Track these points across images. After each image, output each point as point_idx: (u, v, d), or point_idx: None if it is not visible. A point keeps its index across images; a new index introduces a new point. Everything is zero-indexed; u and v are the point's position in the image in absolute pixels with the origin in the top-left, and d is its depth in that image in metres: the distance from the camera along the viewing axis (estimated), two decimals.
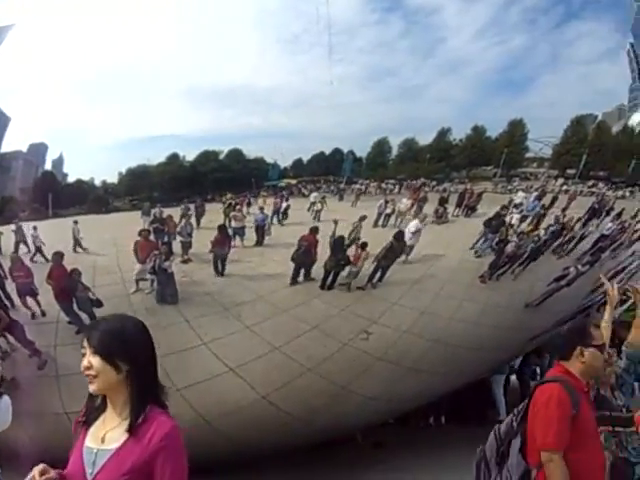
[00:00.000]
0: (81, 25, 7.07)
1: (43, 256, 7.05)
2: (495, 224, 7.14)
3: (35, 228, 7.04)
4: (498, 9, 7.46)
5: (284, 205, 7.05)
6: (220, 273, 6.91)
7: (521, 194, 7.47)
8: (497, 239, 7.10)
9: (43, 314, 7.01)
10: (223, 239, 6.94)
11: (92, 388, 2.48)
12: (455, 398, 9.04)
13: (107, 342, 2.40)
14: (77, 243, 7.02)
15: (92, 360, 2.38)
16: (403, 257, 7.00)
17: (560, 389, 3.06)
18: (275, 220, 7.11)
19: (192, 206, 7.19)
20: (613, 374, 3.97)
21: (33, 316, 7.05)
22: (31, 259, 7.03)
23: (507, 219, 7.43)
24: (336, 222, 6.94)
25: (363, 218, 6.96)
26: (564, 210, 7.51)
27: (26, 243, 7.20)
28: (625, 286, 7.47)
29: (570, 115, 7.52)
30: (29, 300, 6.99)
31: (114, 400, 2.48)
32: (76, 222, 7.08)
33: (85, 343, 2.42)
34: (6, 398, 3.36)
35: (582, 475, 3.02)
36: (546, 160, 7.80)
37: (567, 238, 7.49)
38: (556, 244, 7.51)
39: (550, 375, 3.29)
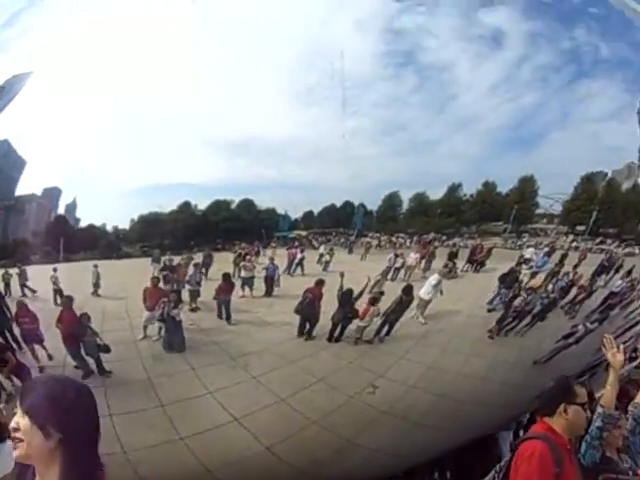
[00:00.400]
0: (98, 72, 7.18)
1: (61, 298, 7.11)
2: (509, 280, 7.14)
3: (55, 270, 7.08)
4: (510, 66, 7.56)
5: (299, 256, 7.08)
6: (226, 319, 6.88)
7: (531, 250, 7.47)
8: (510, 294, 7.09)
9: (50, 358, 6.98)
10: (227, 287, 6.95)
11: (16, 453, 2.24)
12: (461, 453, 8.97)
13: (39, 404, 2.23)
14: (96, 287, 7.15)
15: (21, 421, 2.20)
16: (414, 312, 6.98)
17: (543, 446, 3.09)
18: (288, 272, 7.11)
19: (201, 254, 7.20)
20: (621, 437, 3.94)
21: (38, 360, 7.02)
22: (54, 301, 7.14)
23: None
24: (342, 275, 6.94)
25: (387, 272, 6.98)
26: (575, 267, 7.49)
27: (27, 286, 7.29)
28: (637, 344, 7.48)
29: (580, 172, 7.56)
30: (35, 346, 6.95)
31: (43, 475, 2.25)
32: (96, 266, 7.24)
33: (17, 402, 2.25)
34: (9, 443, 3.34)
35: None
36: (556, 216, 7.83)
37: (575, 295, 7.42)
38: (565, 301, 7.46)
39: (533, 432, 3.28)
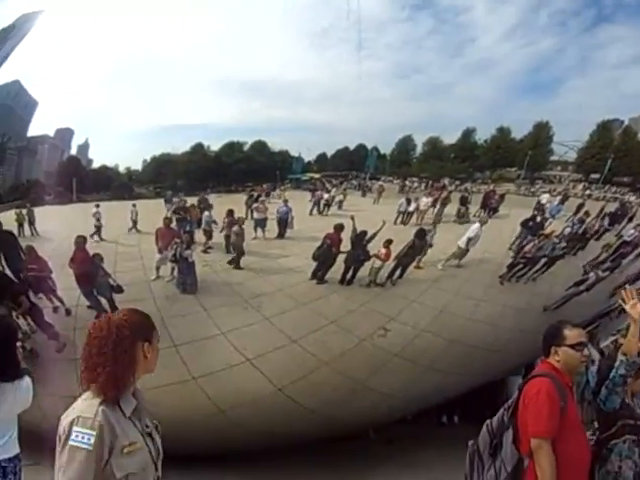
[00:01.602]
0: (112, 12, 7.07)
1: (100, 237, 7.20)
2: (534, 225, 7.10)
3: (97, 206, 7.18)
4: (528, 11, 7.43)
5: (325, 197, 7.05)
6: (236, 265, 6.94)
7: (546, 196, 7.42)
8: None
9: (61, 302, 6.97)
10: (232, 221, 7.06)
11: None
12: (469, 398, 9.02)
13: None
14: (98, 229, 7.13)
15: None
16: (456, 261, 6.96)
17: (548, 382, 3.26)
18: (315, 211, 7.08)
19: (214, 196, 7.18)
20: None
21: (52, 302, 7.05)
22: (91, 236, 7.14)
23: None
24: (353, 217, 6.91)
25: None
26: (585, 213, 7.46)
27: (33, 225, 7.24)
28: None
29: (596, 119, 7.50)
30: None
31: None
32: (97, 205, 7.15)
33: None
34: (27, 379, 3.38)
35: (567, 466, 3.17)
36: (570, 164, 7.76)
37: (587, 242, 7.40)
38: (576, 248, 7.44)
39: (538, 370, 3.42)
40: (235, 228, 6.89)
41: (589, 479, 3.40)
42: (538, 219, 7.19)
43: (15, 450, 3.30)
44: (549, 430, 3.16)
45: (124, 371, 2.67)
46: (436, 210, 7.16)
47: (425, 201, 7.12)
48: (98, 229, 7.05)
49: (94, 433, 2.49)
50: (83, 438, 2.49)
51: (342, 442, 8.19)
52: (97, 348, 2.63)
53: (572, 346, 3.37)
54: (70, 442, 2.49)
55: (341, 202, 7.02)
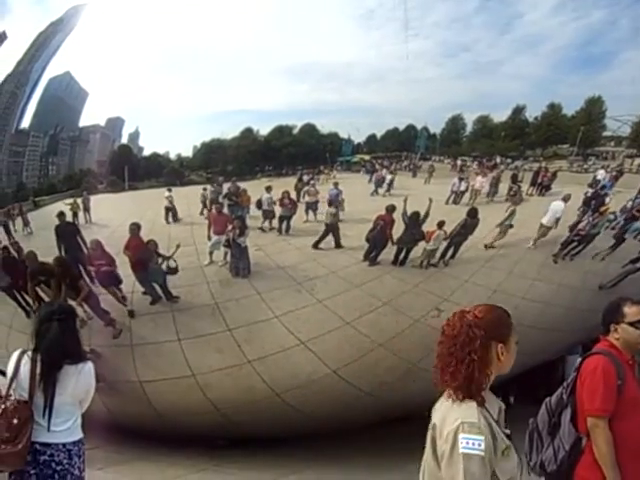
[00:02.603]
0: (159, 1, 7.14)
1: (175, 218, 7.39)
2: (596, 203, 6.99)
3: (169, 190, 7.41)
4: None
5: (389, 177, 7.03)
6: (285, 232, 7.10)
7: (602, 172, 7.29)
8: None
9: (124, 299, 7.11)
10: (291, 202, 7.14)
11: None
12: (525, 378, 8.91)
13: None
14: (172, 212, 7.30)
15: None
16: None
17: (605, 360, 3.22)
18: (381, 191, 7.06)
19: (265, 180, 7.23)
20: None
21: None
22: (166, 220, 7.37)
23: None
24: (406, 199, 6.87)
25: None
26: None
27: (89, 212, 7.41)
28: None
29: None
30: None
31: None
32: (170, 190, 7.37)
33: None
34: (90, 363, 3.44)
35: (626, 445, 3.12)
36: (624, 139, 7.60)
37: None
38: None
39: (596, 348, 3.37)
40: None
41: None
42: (599, 196, 7.02)
43: (79, 434, 3.40)
44: (605, 408, 3.14)
45: (475, 372, 2.56)
46: (488, 189, 7.01)
47: (480, 180, 7.02)
48: (168, 210, 7.30)
49: (483, 437, 2.42)
50: (474, 444, 2.42)
51: (397, 424, 8.17)
52: (447, 347, 2.62)
53: (632, 323, 3.33)
54: (461, 450, 2.41)
55: (391, 183, 6.94)
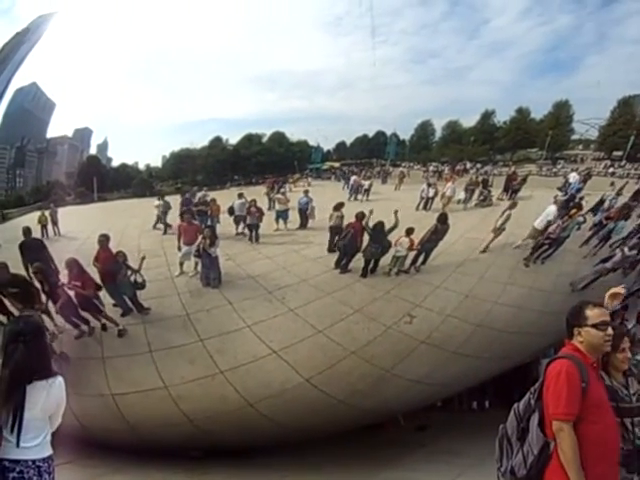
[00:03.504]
0: (127, 11, 7.09)
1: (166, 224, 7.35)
2: (572, 206, 7.04)
3: (159, 199, 7.41)
4: None
5: (366, 183, 7.02)
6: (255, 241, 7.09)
7: (574, 174, 7.34)
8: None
9: (113, 322, 7.12)
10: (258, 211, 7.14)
11: None
12: (500, 383, 8.97)
13: None
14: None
15: None
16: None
17: (569, 364, 3.24)
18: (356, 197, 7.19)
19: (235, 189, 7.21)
20: (626, 360, 3.93)
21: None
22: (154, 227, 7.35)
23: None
24: (371, 211, 6.89)
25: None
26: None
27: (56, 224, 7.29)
28: None
29: (617, 96, 7.39)
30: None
31: None
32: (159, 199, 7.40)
33: None
34: (60, 378, 3.41)
35: (594, 447, 3.15)
36: (592, 142, 7.66)
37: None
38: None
39: (560, 353, 3.40)
40: (338, 212, 7.01)
41: None
42: (574, 198, 7.07)
43: (49, 451, 3.36)
44: (569, 412, 3.16)
45: None
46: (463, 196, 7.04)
47: (450, 186, 7.03)
48: (159, 220, 7.27)
49: None
50: None
51: (372, 430, 8.17)
52: None
53: (594, 326, 3.35)
54: None
55: (367, 191, 6.95)
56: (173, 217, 7.35)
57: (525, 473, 3.32)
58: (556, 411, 3.18)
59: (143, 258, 6.64)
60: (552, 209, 7.03)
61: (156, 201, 7.28)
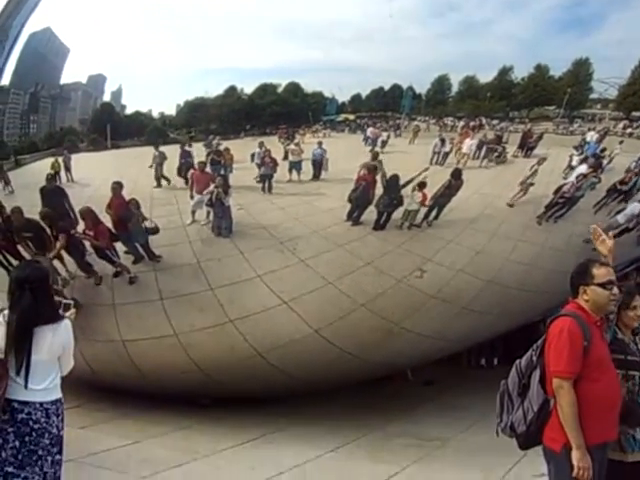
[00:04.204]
0: None
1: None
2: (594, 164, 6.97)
3: (185, 145, 7.28)
4: None
5: (384, 135, 6.96)
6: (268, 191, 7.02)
7: (592, 133, 7.25)
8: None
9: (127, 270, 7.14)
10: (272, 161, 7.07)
11: None
12: (510, 341, 8.99)
13: None
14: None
15: None
16: None
17: (572, 322, 3.22)
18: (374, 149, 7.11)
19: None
20: (637, 318, 3.91)
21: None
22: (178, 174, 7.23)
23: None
24: (380, 161, 6.82)
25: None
26: None
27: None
28: None
29: (639, 54, 7.21)
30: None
31: None
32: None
33: None
34: (66, 321, 3.44)
35: (594, 405, 3.16)
36: (611, 101, 7.55)
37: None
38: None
39: (563, 310, 3.40)
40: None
41: None
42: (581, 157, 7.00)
43: (57, 394, 3.42)
44: (570, 370, 3.15)
45: None
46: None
47: (467, 143, 6.97)
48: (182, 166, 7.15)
49: None
50: None
51: (380, 383, 8.22)
52: None
53: (601, 285, 3.33)
54: None
55: (385, 142, 6.90)
56: (169, 169, 7.20)
57: (524, 429, 3.34)
58: (556, 369, 3.19)
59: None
60: (583, 168, 6.95)
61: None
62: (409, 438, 6.90)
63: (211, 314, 6.92)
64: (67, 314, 3.61)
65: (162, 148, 7.16)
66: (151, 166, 7.13)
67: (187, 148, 7.23)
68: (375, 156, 6.84)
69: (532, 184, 6.79)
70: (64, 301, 3.94)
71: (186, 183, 7.06)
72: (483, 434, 6.42)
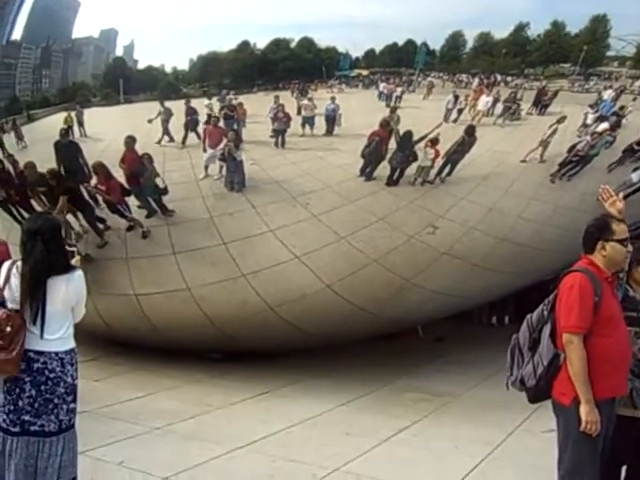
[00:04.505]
0: None
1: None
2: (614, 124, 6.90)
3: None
4: None
5: (399, 90, 6.91)
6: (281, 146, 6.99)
7: (609, 91, 7.17)
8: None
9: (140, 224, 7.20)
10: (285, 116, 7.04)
11: None
12: (521, 299, 9.02)
13: None
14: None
15: None
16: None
17: (583, 277, 3.19)
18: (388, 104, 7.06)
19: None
20: None
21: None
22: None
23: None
24: (398, 117, 6.76)
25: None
26: None
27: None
28: None
29: None
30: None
31: None
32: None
33: None
34: (79, 271, 3.45)
35: (606, 359, 3.15)
36: (628, 59, 7.46)
37: None
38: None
39: (575, 266, 3.39)
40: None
41: None
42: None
43: (72, 344, 3.44)
44: (580, 325, 3.14)
45: None
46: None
47: (483, 100, 6.91)
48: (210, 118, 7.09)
49: None
50: None
51: (391, 339, 8.28)
52: None
53: (620, 241, 3.32)
54: None
55: (399, 98, 6.86)
56: (176, 126, 7.15)
57: (534, 383, 3.34)
58: (567, 324, 3.17)
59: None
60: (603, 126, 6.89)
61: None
62: (419, 393, 6.95)
63: (223, 268, 6.96)
64: (72, 262, 3.62)
65: (173, 103, 7.07)
66: (150, 120, 7.01)
67: (192, 105, 7.10)
68: (393, 110, 6.71)
69: (549, 142, 6.72)
70: (68, 249, 3.95)
71: (198, 138, 6.94)
72: (493, 390, 6.52)
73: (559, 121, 6.84)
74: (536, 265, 7.58)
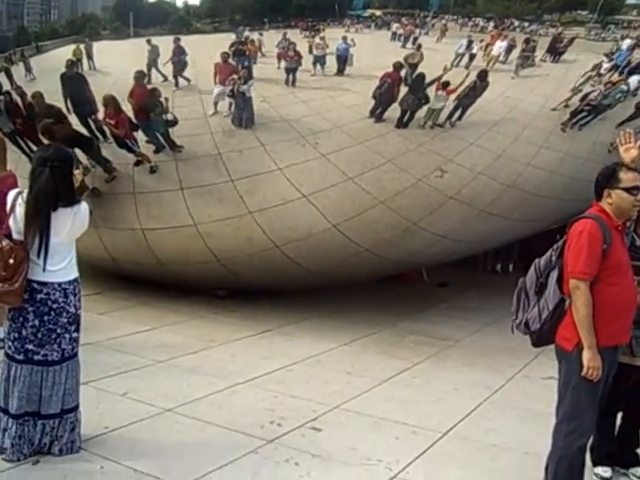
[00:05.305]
0: None
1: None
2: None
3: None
4: None
5: (417, 31, 6.85)
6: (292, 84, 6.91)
7: (628, 41, 7.07)
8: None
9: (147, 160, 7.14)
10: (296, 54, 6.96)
11: None
12: (526, 248, 9.05)
13: None
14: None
15: None
16: None
17: (592, 223, 3.14)
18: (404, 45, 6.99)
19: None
20: None
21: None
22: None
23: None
24: (407, 61, 6.72)
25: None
26: None
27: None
28: None
29: None
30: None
31: None
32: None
33: None
34: (84, 204, 3.43)
35: (611, 306, 3.14)
36: None
37: None
38: None
39: (586, 213, 3.38)
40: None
41: None
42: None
43: (74, 274, 3.41)
44: (587, 271, 3.11)
45: None
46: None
47: (498, 45, 6.83)
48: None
49: None
50: None
51: (395, 283, 8.32)
52: None
53: (626, 189, 3.28)
54: None
55: (407, 39, 6.76)
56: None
57: (538, 327, 3.33)
58: (574, 269, 3.14)
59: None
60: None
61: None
62: (421, 336, 7.01)
63: (230, 205, 6.96)
64: (75, 173, 3.59)
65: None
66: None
67: (181, 44, 6.90)
68: (419, 47, 6.66)
69: (580, 90, 6.63)
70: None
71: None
72: (494, 336, 6.59)
73: (593, 69, 6.70)
74: (542, 213, 7.57)
